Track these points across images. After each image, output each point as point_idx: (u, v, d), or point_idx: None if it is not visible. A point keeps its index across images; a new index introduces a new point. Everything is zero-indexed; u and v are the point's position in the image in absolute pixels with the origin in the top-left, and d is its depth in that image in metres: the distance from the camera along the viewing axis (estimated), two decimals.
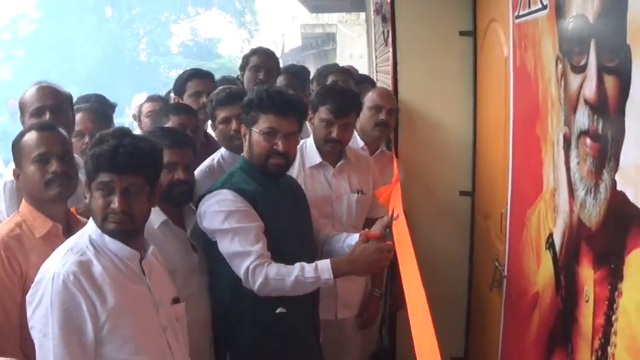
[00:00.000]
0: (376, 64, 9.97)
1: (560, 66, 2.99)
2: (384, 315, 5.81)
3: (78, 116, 4.47)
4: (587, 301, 2.72)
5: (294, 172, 4.28)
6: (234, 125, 4.25)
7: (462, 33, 5.22)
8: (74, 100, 4.53)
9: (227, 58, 41.25)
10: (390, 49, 5.62)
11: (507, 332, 4.19)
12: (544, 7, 3.20)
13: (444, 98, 5.39)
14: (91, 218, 3.01)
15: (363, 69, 11.00)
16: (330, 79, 6.01)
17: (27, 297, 2.86)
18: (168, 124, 4.39)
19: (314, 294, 3.82)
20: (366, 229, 3.89)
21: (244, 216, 3.62)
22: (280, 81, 5.81)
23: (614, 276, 2.44)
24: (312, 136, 4.56)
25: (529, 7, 3.48)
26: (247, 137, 3.77)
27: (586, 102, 2.66)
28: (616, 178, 2.39)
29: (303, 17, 28.55)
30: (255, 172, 3.76)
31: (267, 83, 5.06)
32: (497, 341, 4.34)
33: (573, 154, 2.84)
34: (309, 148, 4.51)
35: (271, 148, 3.67)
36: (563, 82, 2.94)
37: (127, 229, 2.94)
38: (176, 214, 3.79)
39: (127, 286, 2.93)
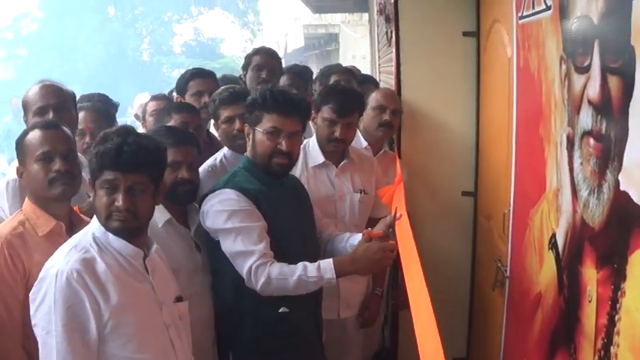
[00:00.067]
0: (379, 65, 9.96)
1: (563, 66, 2.99)
2: (386, 315, 5.81)
3: (80, 115, 4.46)
4: (590, 301, 2.72)
5: (297, 171, 4.27)
6: (237, 125, 4.25)
7: (465, 33, 5.22)
8: (77, 98, 4.53)
9: (230, 58, 41.21)
10: (394, 50, 5.63)
11: (510, 332, 4.19)
12: (548, 8, 3.20)
13: (447, 99, 5.39)
14: (94, 216, 3.02)
15: (365, 70, 11.00)
16: (332, 79, 6.01)
17: (30, 294, 2.86)
18: (171, 123, 4.40)
19: (317, 293, 3.81)
20: (369, 229, 3.89)
21: (247, 215, 3.62)
22: (283, 81, 5.81)
23: (617, 276, 2.44)
24: (314, 135, 4.57)
25: (533, 7, 3.49)
26: (251, 137, 3.76)
27: (590, 102, 2.66)
28: (619, 178, 2.39)
29: (305, 17, 28.54)
30: (258, 171, 3.75)
31: (270, 82, 5.06)
32: (499, 342, 4.34)
33: (576, 154, 2.84)
34: (312, 148, 4.51)
35: (275, 147, 3.67)
36: (566, 82, 2.95)
37: (131, 227, 2.95)
38: (180, 213, 3.79)
39: (130, 284, 2.94)
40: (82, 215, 3.55)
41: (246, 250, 3.54)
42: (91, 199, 3.03)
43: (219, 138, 4.75)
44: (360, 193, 4.55)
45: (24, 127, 3.74)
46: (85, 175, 3.59)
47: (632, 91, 2.27)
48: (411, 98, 5.41)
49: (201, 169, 4.17)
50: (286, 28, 34.91)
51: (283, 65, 6.27)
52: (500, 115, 4.37)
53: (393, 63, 5.68)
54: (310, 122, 4.43)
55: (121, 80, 33.20)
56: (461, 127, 5.37)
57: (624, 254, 2.37)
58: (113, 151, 2.86)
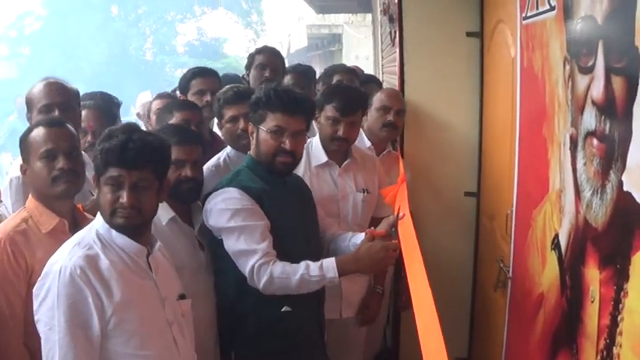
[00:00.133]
0: (382, 65, 9.96)
1: (567, 67, 2.99)
2: (388, 315, 5.82)
3: (82, 114, 4.47)
4: (592, 302, 2.72)
5: (300, 171, 4.27)
6: (241, 124, 4.25)
7: (469, 34, 5.22)
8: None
9: (233, 58, 41.20)
10: (397, 50, 5.62)
11: (512, 333, 4.19)
12: (552, 9, 3.20)
13: (451, 99, 5.40)
14: (98, 213, 3.02)
15: (368, 70, 10.98)
16: (335, 79, 6.02)
17: (34, 290, 2.86)
18: (173, 120, 4.41)
19: (319, 292, 3.82)
20: (372, 228, 3.89)
21: (250, 214, 3.63)
22: (287, 80, 5.81)
23: (619, 276, 2.44)
24: (318, 135, 4.57)
25: (537, 8, 3.49)
26: (255, 135, 3.77)
27: (593, 103, 2.66)
28: (623, 178, 2.40)
29: (309, 18, 28.55)
30: (261, 170, 3.76)
31: (273, 81, 5.06)
32: (501, 342, 4.34)
33: (580, 154, 2.84)
34: (315, 147, 4.51)
35: (279, 146, 3.67)
36: (570, 83, 2.95)
37: (135, 223, 2.95)
38: (184, 212, 3.80)
39: (133, 281, 2.94)
40: (85, 213, 3.56)
41: (249, 248, 3.54)
42: (95, 196, 3.04)
43: (223, 137, 4.75)
44: (363, 192, 4.55)
45: (28, 125, 3.73)
46: (88, 173, 3.61)
47: (636, 91, 2.27)
48: (415, 98, 5.41)
49: (205, 167, 4.17)
50: (290, 29, 34.92)
51: (286, 65, 6.26)
52: (504, 115, 4.37)
53: (397, 63, 5.67)
54: (313, 122, 4.42)
55: (124, 79, 33.19)
56: (464, 128, 5.38)
57: (627, 255, 2.37)
58: (118, 148, 2.87)
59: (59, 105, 4.00)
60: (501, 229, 4.43)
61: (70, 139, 3.42)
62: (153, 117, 5.61)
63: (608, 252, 2.60)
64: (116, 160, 2.87)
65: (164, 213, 3.56)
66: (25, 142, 3.39)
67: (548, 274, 3.38)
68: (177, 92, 5.60)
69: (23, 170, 3.41)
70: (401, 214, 3.82)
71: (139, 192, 2.91)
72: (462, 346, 5.60)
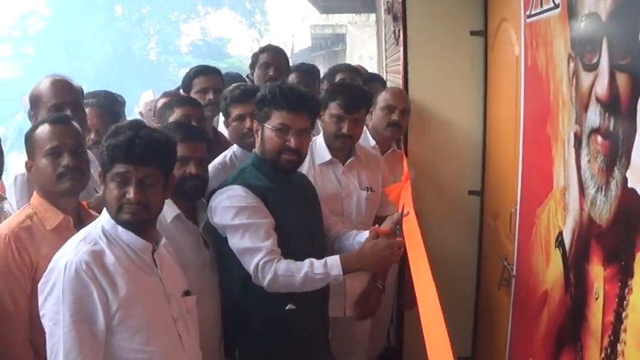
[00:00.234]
0: (386, 65, 9.97)
1: (572, 64, 2.99)
2: (391, 314, 5.82)
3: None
4: (596, 299, 2.72)
5: (304, 169, 4.27)
6: (247, 123, 4.26)
7: (472, 32, 5.22)
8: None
9: (237, 58, 41.21)
10: (401, 49, 5.63)
11: (515, 331, 4.19)
12: (556, 6, 3.20)
13: (455, 98, 5.40)
14: (104, 209, 3.03)
15: (372, 70, 11.00)
16: (337, 78, 6.03)
17: (39, 285, 2.88)
18: (173, 117, 4.44)
19: (323, 290, 3.83)
20: (376, 226, 3.89)
21: (255, 212, 3.63)
22: (292, 79, 5.82)
23: (624, 273, 2.44)
24: (321, 133, 4.57)
25: (541, 6, 3.48)
26: (259, 133, 3.77)
27: (597, 100, 2.66)
28: (627, 175, 2.39)
29: (313, 18, 28.57)
30: (266, 168, 3.76)
31: (278, 80, 5.06)
32: (505, 341, 4.33)
33: (584, 152, 2.84)
34: (318, 146, 4.52)
35: (283, 144, 3.67)
36: (574, 80, 2.95)
37: (142, 219, 2.97)
38: (189, 209, 3.80)
39: (138, 277, 2.95)
40: (89, 210, 3.56)
41: (254, 246, 3.55)
42: (101, 192, 3.05)
43: (229, 136, 4.76)
44: (367, 190, 4.55)
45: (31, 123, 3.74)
46: (93, 171, 3.61)
47: None
48: (419, 97, 5.42)
49: (211, 166, 4.18)
50: (293, 29, 34.94)
51: (290, 64, 6.27)
52: (508, 114, 4.37)
53: (401, 62, 5.68)
54: (318, 120, 4.42)
55: (127, 79, 33.21)
56: (468, 126, 5.37)
57: (631, 251, 2.37)
58: (125, 144, 2.88)
59: (70, 104, 4.00)
60: (505, 228, 4.43)
61: (75, 137, 3.42)
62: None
63: (612, 249, 2.60)
64: (123, 156, 2.89)
65: (169, 210, 3.57)
66: (30, 139, 3.40)
67: (552, 271, 3.38)
68: (181, 91, 5.61)
69: (28, 167, 3.42)
70: (405, 212, 3.83)
71: (145, 188, 2.93)
72: (466, 345, 5.60)
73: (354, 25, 25.98)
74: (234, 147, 4.50)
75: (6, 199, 3.77)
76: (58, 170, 3.31)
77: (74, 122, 3.51)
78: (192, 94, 5.18)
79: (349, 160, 4.54)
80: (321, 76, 6.67)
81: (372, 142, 5.09)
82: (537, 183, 3.65)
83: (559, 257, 3.24)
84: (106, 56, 37.78)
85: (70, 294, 2.76)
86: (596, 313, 2.71)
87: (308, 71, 6.29)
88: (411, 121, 5.31)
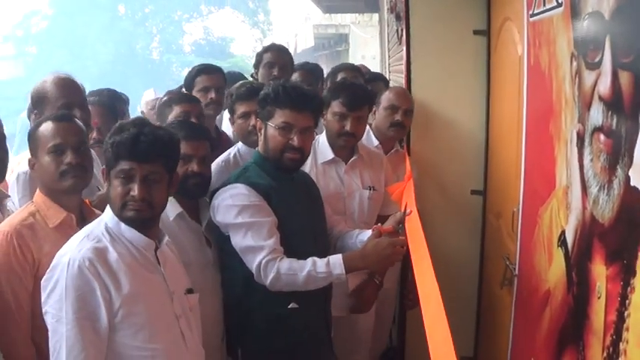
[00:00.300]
0: (389, 64, 9.98)
1: (574, 63, 2.99)
2: (394, 313, 5.82)
3: None
4: (599, 298, 2.72)
5: (306, 168, 4.26)
6: (252, 120, 4.25)
7: (475, 32, 5.23)
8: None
9: (239, 57, 41.27)
10: (404, 48, 5.63)
11: (518, 331, 4.19)
12: (559, 5, 3.21)
13: (457, 97, 5.40)
14: (107, 206, 3.03)
15: (375, 70, 11.01)
16: (339, 77, 6.03)
17: (42, 282, 2.87)
18: (172, 114, 4.44)
19: (326, 289, 3.82)
20: (379, 224, 3.89)
21: (258, 210, 3.63)
22: (295, 78, 5.82)
23: (626, 272, 2.44)
24: (324, 132, 4.57)
25: (544, 5, 3.49)
26: (263, 132, 3.77)
27: (600, 98, 2.66)
28: (630, 173, 2.39)
29: (316, 18, 28.62)
30: (269, 166, 3.76)
31: (282, 79, 5.06)
32: (507, 340, 4.33)
33: (587, 150, 2.84)
34: (321, 144, 4.53)
35: (287, 142, 3.67)
36: (577, 79, 2.95)
37: (146, 216, 2.97)
38: (192, 208, 3.79)
39: (141, 274, 2.95)
40: (92, 208, 3.56)
41: (256, 245, 3.54)
42: (105, 189, 3.05)
43: (234, 133, 4.77)
44: (370, 189, 4.55)
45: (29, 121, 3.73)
46: (95, 170, 3.62)
47: None
48: (421, 96, 5.42)
49: (214, 163, 4.19)
50: (296, 28, 35.00)
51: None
52: (510, 113, 4.38)
53: (404, 61, 5.68)
54: (320, 119, 4.41)
55: (130, 78, 33.24)
56: (471, 126, 5.38)
57: (634, 250, 2.37)
58: (130, 141, 2.88)
59: (78, 103, 4.01)
60: (507, 227, 4.43)
61: (79, 134, 3.42)
62: None
63: (614, 248, 2.60)
64: (127, 153, 2.89)
65: (171, 208, 3.56)
66: (33, 137, 3.39)
67: (554, 270, 3.38)
68: (183, 90, 5.61)
69: (31, 164, 3.42)
70: (408, 211, 3.83)
71: (149, 185, 2.93)
72: (468, 344, 5.60)
73: (357, 25, 26.03)
74: (239, 144, 4.51)
75: (9, 196, 3.77)
76: (61, 168, 3.30)
77: (77, 120, 3.51)
78: (195, 93, 5.17)
79: (352, 159, 4.54)
80: (325, 75, 6.68)
81: (375, 142, 5.08)
82: (540, 182, 3.66)
83: (561, 256, 3.24)
84: (108, 56, 37.83)
85: (73, 291, 2.76)
86: (599, 312, 2.72)
87: (311, 70, 6.30)
88: (413, 121, 5.30)
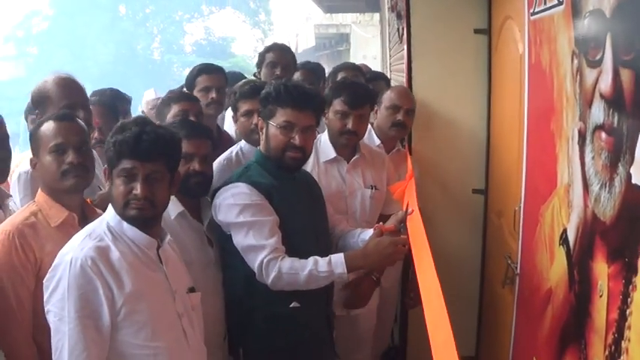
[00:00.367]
0: (390, 64, 9.97)
1: (575, 61, 2.99)
2: (395, 313, 5.82)
3: None
4: (600, 296, 2.72)
5: (308, 167, 4.26)
6: (255, 119, 4.25)
7: (476, 31, 5.24)
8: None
9: (240, 57, 41.34)
10: (405, 47, 5.63)
11: (519, 330, 4.19)
12: (560, 3, 3.21)
13: (459, 96, 5.40)
14: (109, 205, 3.03)
15: (376, 70, 11.01)
16: (340, 76, 6.03)
17: (44, 281, 2.87)
18: (171, 113, 4.46)
19: (328, 289, 3.82)
20: (380, 223, 3.88)
21: (259, 210, 3.62)
22: (297, 77, 5.81)
23: (628, 270, 2.44)
24: (326, 131, 4.57)
25: (545, 3, 3.49)
26: (264, 131, 3.76)
27: (601, 96, 2.66)
28: (631, 171, 2.39)
29: (317, 17, 28.62)
30: (270, 165, 3.75)
31: (284, 78, 5.06)
32: (509, 339, 4.33)
33: (588, 148, 2.84)
34: (323, 143, 4.52)
35: (288, 141, 3.66)
36: (578, 77, 2.95)
37: (148, 215, 2.97)
38: (193, 207, 3.79)
39: (143, 273, 2.95)
40: (94, 207, 3.57)
41: (258, 244, 3.54)
42: (107, 189, 3.05)
43: (237, 131, 4.78)
44: (371, 189, 4.55)
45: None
46: (98, 171, 3.62)
47: None
48: (422, 95, 5.41)
49: (216, 162, 4.19)
50: (297, 28, 35.03)
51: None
52: (512, 112, 4.38)
53: (404, 60, 5.68)
54: (322, 118, 4.41)
55: (131, 79, 33.30)
56: (472, 124, 5.38)
57: (636, 248, 2.37)
58: (132, 140, 2.89)
59: (81, 104, 4.01)
60: (509, 226, 4.43)
61: (80, 134, 3.42)
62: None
63: (616, 246, 2.60)
64: (129, 152, 2.89)
65: (173, 207, 3.55)
66: (35, 136, 3.39)
67: (556, 269, 3.38)
68: (184, 89, 5.62)
69: (33, 164, 3.42)
70: (410, 210, 3.82)
71: (152, 184, 2.93)
72: (470, 343, 5.60)
73: (358, 25, 26.00)
74: (242, 143, 4.51)
75: (11, 196, 3.77)
76: (63, 167, 3.30)
77: (79, 119, 3.51)
78: (195, 93, 5.17)
79: (354, 158, 4.54)
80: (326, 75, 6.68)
81: (377, 141, 5.07)
82: (541, 180, 3.66)
83: (563, 255, 3.24)
84: (109, 56, 37.89)
85: (75, 290, 2.76)
86: (601, 311, 2.72)
87: (313, 69, 6.29)
88: (414, 120, 5.30)
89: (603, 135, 2.67)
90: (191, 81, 5.29)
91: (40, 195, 3.39)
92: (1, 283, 3.12)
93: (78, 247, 2.84)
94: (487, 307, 5.42)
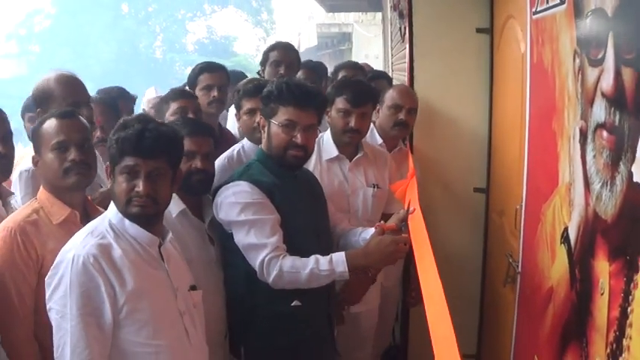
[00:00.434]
0: (392, 63, 9.97)
1: (577, 60, 2.99)
2: (397, 311, 5.82)
3: None
4: (602, 294, 2.72)
5: (310, 165, 4.28)
6: (258, 118, 4.26)
7: (478, 30, 5.23)
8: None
9: (242, 56, 41.35)
10: (407, 46, 5.63)
11: (521, 329, 4.18)
12: (562, 2, 3.20)
13: (460, 95, 5.40)
14: (112, 203, 3.04)
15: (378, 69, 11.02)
16: (340, 75, 6.04)
17: (46, 279, 2.88)
18: (170, 111, 4.49)
19: (329, 287, 3.82)
20: (382, 222, 3.89)
21: (261, 208, 3.63)
22: (299, 76, 5.81)
23: (629, 268, 2.43)
24: (329, 130, 4.57)
25: (547, 2, 3.49)
26: (266, 129, 3.77)
27: (603, 95, 2.66)
28: (632, 169, 2.39)
29: (319, 16, 28.63)
30: (272, 163, 3.76)
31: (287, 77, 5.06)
32: (510, 338, 4.33)
33: (589, 147, 2.84)
34: (326, 142, 4.53)
35: (290, 140, 3.67)
36: (580, 76, 2.95)
37: (150, 212, 2.97)
38: (195, 205, 3.80)
39: (145, 271, 2.96)
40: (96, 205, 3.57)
41: (259, 242, 3.55)
42: (109, 186, 3.05)
43: (239, 129, 4.78)
44: (374, 187, 4.55)
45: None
46: (99, 171, 3.62)
47: None
48: (424, 94, 5.40)
49: (218, 160, 4.20)
50: (299, 27, 35.03)
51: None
52: (513, 111, 4.37)
53: (407, 59, 5.68)
54: (325, 116, 4.41)
55: (133, 77, 33.28)
56: (473, 123, 5.38)
57: (637, 246, 2.37)
58: (135, 137, 2.89)
59: (84, 102, 4.02)
60: (510, 225, 4.43)
61: (82, 131, 3.42)
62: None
63: (618, 244, 2.60)
64: (132, 149, 2.90)
65: (174, 205, 3.56)
66: (37, 134, 3.40)
67: (557, 268, 3.38)
68: (187, 88, 5.63)
69: (35, 162, 3.42)
70: (411, 209, 3.82)
71: (154, 181, 2.94)
72: (471, 342, 5.59)
73: (360, 24, 26.01)
74: (244, 141, 4.53)
75: (13, 193, 3.78)
76: (65, 165, 3.30)
77: (81, 117, 3.51)
78: (197, 91, 5.19)
79: (356, 157, 4.54)
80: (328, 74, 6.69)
81: (379, 140, 5.08)
82: (543, 179, 3.66)
83: (564, 253, 3.24)
84: (111, 54, 37.91)
85: (77, 287, 2.76)
86: (602, 309, 2.71)
87: (315, 68, 6.31)
88: (416, 118, 5.30)
89: (605, 134, 2.67)
90: (193, 79, 5.30)
91: (42, 192, 3.39)
92: (3, 280, 3.13)
93: (80, 245, 2.85)
94: (488, 306, 5.42)
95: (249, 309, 3.76)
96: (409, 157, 5.03)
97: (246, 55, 42.90)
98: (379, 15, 18.26)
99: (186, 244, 3.58)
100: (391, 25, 9.84)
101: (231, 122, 5.42)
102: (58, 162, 3.31)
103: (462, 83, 5.37)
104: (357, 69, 6.38)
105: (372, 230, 3.82)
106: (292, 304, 3.72)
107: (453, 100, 5.45)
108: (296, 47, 6.37)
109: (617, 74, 2.52)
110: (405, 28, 6.06)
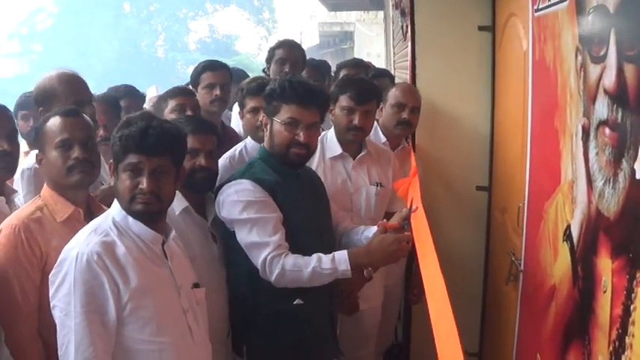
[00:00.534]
0: (394, 62, 9.97)
1: (579, 57, 2.99)
2: (399, 310, 5.82)
3: None
4: (604, 292, 2.72)
5: (313, 163, 4.29)
6: (261, 116, 4.26)
7: (480, 28, 5.23)
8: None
9: (244, 55, 41.35)
10: (409, 44, 5.63)
11: (523, 326, 4.18)
12: (564, 0, 3.21)
13: (462, 93, 5.39)
14: (115, 201, 3.04)
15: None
16: (342, 73, 6.04)
17: (50, 276, 2.89)
18: (168, 108, 4.51)
19: (331, 286, 3.80)
20: (384, 220, 3.89)
21: (263, 206, 3.63)
22: (302, 74, 5.82)
23: (632, 265, 2.43)
24: (332, 128, 4.57)
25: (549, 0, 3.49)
26: (268, 127, 3.76)
27: (605, 92, 2.66)
28: (635, 167, 2.39)
29: (321, 15, 28.64)
30: (274, 162, 3.75)
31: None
32: (512, 336, 4.33)
33: (592, 144, 2.84)
34: (329, 140, 4.53)
35: (292, 138, 3.66)
36: (582, 73, 2.94)
37: (154, 210, 2.98)
38: (198, 203, 3.79)
39: (149, 268, 2.97)
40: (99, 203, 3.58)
41: (261, 241, 3.54)
42: (112, 183, 3.06)
43: (243, 127, 4.78)
44: (377, 186, 4.55)
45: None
46: (102, 170, 3.62)
47: None
48: (426, 93, 5.39)
49: (221, 159, 4.19)
50: (301, 26, 35.00)
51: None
52: (515, 109, 4.37)
53: (409, 57, 5.69)
54: (328, 114, 4.41)
55: (135, 76, 33.29)
56: (476, 121, 5.37)
57: None
58: (138, 135, 2.90)
59: (88, 101, 4.03)
60: (513, 223, 4.43)
61: (86, 129, 3.43)
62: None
63: (620, 241, 2.59)
64: (136, 146, 2.91)
65: (177, 203, 3.56)
66: (41, 132, 3.41)
67: (560, 265, 3.38)
68: (190, 86, 5.63)
69: (39, 160, 3.43)
70: (414, 207, 3.82)
71: (158, 178, 2.95)
72: (473, 340, 5.59)
73: (362, 23, 26.03)
74: (248, 140, 4.54)
75: (17, 191, 3.78)
76: (69, 163, 3.31)
77: (85, 115, 3.52)
78: (200, 90, 5.20)
79: (360, 155, 4.54)
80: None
81: (383, 139, 5.07)
82: (545, 177, 3.65)
83: (567, 251, 3.23)
84: (113, 53, 37.94)
85: (81, 285, 2.77)
86: (604, 306, 2.71)
87: (318, 66, 6.32)
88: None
89: (607, 131, 2.66)
90: (196, 78, 5.31)
91: (46, 190, 3.40)
92: (6, 277, 3.14)
93: (84, 242, 2.86)
94: (491, 304, 5.42)
95: (252, 307, 3.76)
96: (411, 155, 5.03)
97: (248, 54, 42.91)
98: (381, 14, 18.27)
99: (189, 242, 3.58)
100: (393, 23, 9.84)
101: (235, 121, 5.42)
102: (61, 160, 3.32)
103: (464, 81, 5.36)
104: (360, 66, 6.37)
105: (374, 228, 3.82)
106: (294, 303, 3.71)
107: (455, 98, 5.44)
108: None
109: (620, 71, 2.52)
110: (407, 26, 6.06)
